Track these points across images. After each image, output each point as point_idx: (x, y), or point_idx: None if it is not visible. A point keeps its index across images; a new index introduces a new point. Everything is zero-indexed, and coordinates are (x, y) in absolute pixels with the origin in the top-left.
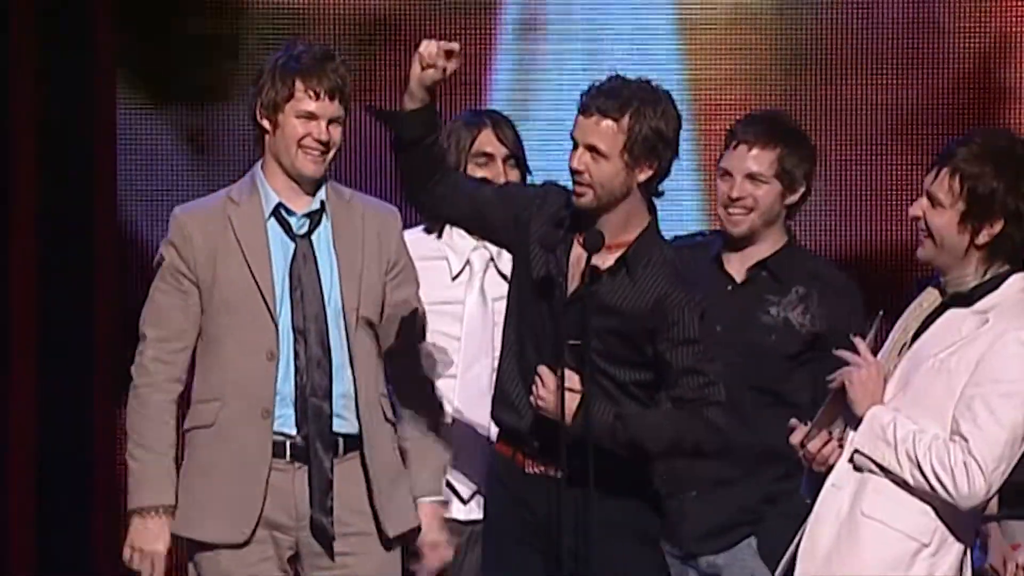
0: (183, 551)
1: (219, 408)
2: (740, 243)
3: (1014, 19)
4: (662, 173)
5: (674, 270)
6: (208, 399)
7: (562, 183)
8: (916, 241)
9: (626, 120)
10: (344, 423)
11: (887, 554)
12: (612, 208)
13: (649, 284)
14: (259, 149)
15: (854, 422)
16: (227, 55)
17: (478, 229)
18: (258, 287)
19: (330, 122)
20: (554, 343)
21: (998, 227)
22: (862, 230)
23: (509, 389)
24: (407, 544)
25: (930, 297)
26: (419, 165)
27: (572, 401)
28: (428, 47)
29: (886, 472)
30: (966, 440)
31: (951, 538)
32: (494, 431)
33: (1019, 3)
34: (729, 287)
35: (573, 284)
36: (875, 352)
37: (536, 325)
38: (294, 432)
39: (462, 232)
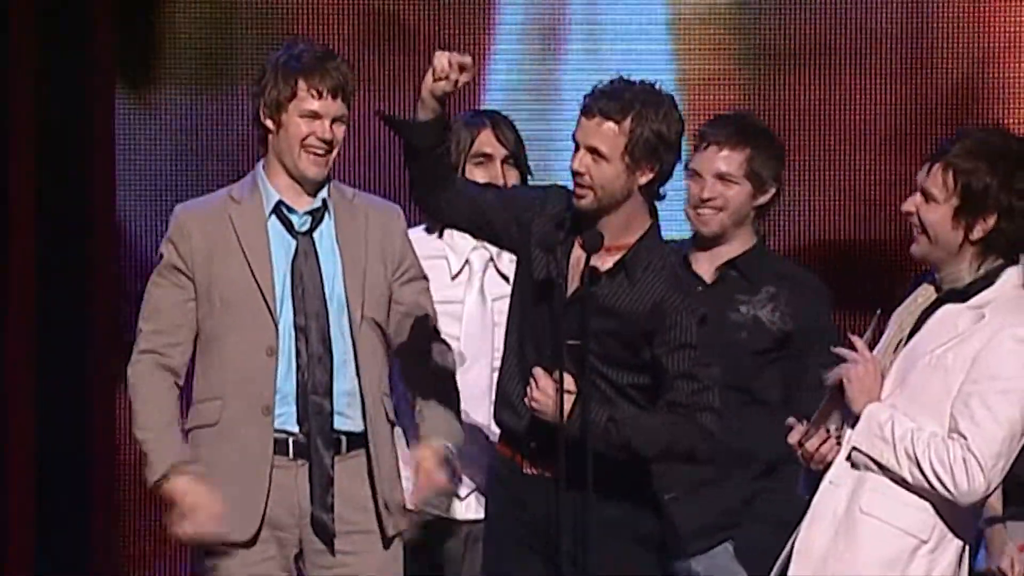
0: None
1: (221, 407)
2: (709, 243)
3: (1017, 21)
4: (663, 176)
5: (674, 274)
6: (209, 398)
7: (560, 183)
8: (910, 238)
9: (628, 122)
10: (347, 421)
11: (885, 552)
12: (613, 210)
13: (648, 287)
14: (262, 148)
15: (851, 419)
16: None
17: (482, 233)
18: (258, 285)
19: (333, 121)
20: (553, 344)
21: (992, 222)
22: (855, 229)
23: (509, 390)
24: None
25: (925, 293)
26: (428, 173)
27: (567, 402)
28: (441, 60)
29: (884, 470)
30: (965, 437)
31: (950, 535)
32: (493, 431)
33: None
34: (699, 288)
35: (573, 285)
36: (872, 349)
37: (536, 326)
38: (296, 429)
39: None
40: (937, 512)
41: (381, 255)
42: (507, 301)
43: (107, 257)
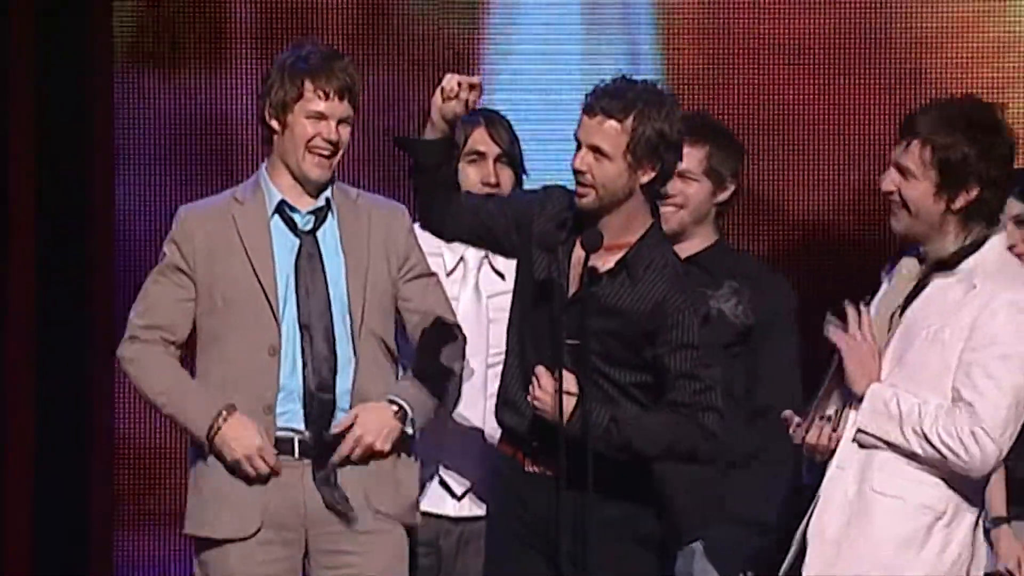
0: (192, 547)
1: None
2: (671, 240)
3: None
4: (665, 175)
5: (675, 273)
6: None
7: (561, 184)
8: (889, 214)
9: (630, 121)
10: None
11: (902, 529)
12: (614, 209)
13: (650, 287)
14: (267, 149)
15: (853, 401)
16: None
17: (484, 243)
18: (260, 284)
19: (339, 122)
20: (553, 344)
21: (974, 193)
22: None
23: (511, 389)
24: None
25: (909, 264)
26: (432, 189)
27: (568, 402)
28: (451, 81)
29: (893, 448)
30: (971, 405)
31: (965, 506)
32: (488, 429)
33: None
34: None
35: (574, 286)
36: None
37: (537, 326)
38: (302, 427)
39: None
40: (950, 485)
41: (385, 253)
42: (502, 298)
43: (107, 257)
